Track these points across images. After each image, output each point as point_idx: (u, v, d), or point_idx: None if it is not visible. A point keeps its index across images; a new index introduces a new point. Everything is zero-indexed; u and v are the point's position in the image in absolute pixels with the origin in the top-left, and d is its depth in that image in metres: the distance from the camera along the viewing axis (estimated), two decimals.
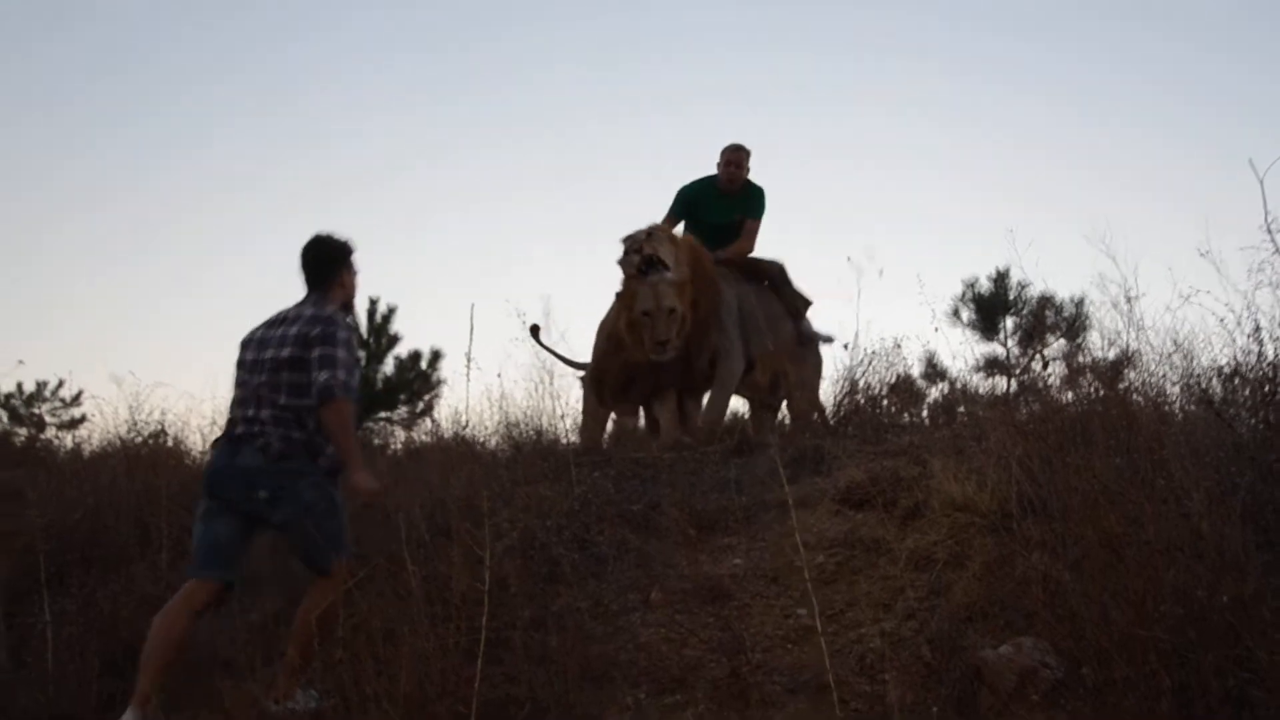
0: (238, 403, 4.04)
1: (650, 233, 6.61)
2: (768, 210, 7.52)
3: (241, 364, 4.10)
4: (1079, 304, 10.81)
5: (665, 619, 4.09)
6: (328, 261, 4.18)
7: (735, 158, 7.45)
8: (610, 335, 6.91)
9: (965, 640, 3.42)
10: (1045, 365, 9.47)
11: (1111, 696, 2.84)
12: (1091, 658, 2.93)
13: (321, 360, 3.88)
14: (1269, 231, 4.50)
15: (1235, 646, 2.73)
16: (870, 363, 6.75)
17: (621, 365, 6.78)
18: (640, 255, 6.48)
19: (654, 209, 7.54)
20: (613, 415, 7.24)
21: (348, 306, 4.28)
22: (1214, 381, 4.03)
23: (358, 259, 4.27)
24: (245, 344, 4.14)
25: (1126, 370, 5.44)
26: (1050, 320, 11.94)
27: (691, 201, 7.47)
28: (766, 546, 4.61)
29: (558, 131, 30.29)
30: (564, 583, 4.34)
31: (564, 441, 6.39)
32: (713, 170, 7.52)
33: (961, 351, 12.95)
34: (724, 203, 7.41)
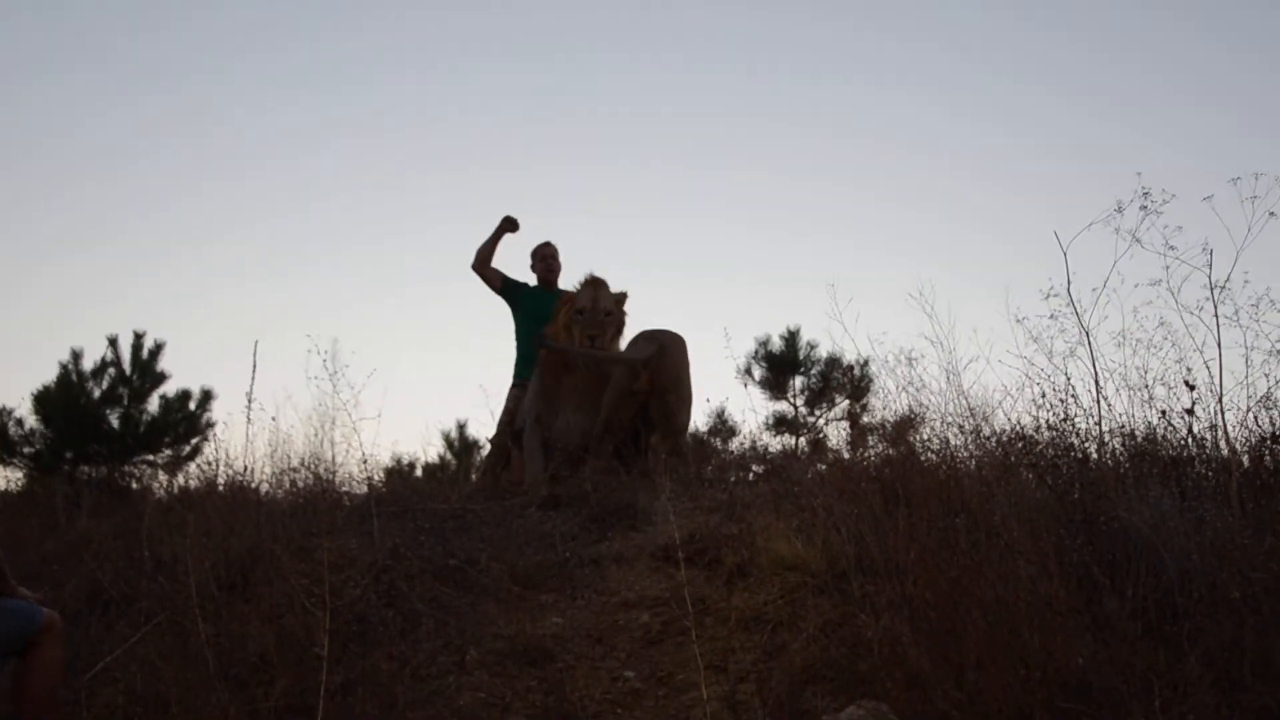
0: None
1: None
2: None
3: None
4: (864, 364, 11.17)
5: (484, 682, 3.83)
6: None
7: (548, 250, 7.47)
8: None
9: (805, 703, 3.33)
10: (855, 423, 9.72)
11: None
12: None
13: None
14: (1070, 296, 4.74)
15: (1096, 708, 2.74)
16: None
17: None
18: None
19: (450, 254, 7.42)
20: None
21: None
22: (1045, 449, 4.12)
23: None
24: None
25: (915, 430, 5.60)
26: (838, 381, 12.33)
27: (517, 289, 7.43)
28: (587, 604, 4.42)
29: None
30: (373, 643, 4.00)
31: (345, 490, 5.98)
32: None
33: (756, 407, 13.26)
34: (550, 299, 7.19)
